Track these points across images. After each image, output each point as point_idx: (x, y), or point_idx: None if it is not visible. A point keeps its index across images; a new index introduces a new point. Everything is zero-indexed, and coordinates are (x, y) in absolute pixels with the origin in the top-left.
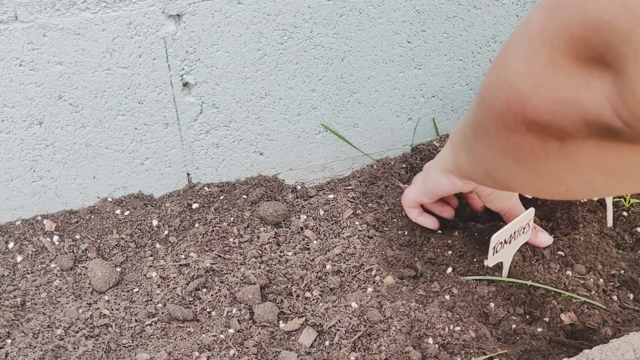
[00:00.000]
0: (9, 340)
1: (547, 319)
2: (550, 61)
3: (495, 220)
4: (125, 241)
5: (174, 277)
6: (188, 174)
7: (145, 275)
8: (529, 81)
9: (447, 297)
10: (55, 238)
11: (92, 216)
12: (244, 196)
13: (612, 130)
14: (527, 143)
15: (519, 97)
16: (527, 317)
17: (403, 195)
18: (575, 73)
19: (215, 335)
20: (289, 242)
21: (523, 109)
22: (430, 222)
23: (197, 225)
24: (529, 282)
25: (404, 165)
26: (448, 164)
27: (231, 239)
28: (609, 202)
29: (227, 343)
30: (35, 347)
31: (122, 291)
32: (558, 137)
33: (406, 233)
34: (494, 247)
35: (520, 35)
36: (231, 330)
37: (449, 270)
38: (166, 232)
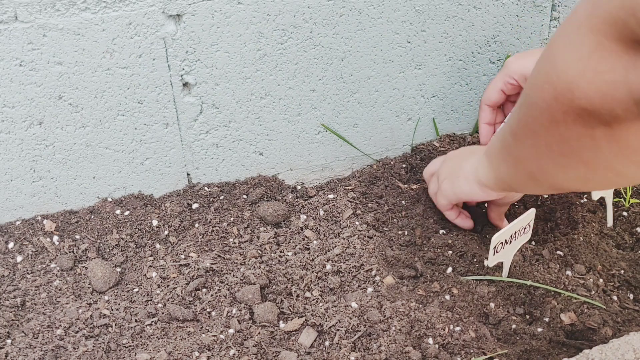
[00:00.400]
0: (9, 340)
1: (547, 319)
2: (597, 45)
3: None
4: (125, 241)
5: (174, 277)
6: (188, 174)
7: (145, 275)
8: (578, 66)
9: (447, 297)
10: (55, 238)
11: (92, 216)
12: (244, 196)
13: None
14: (574, 133)
15: (567, 85)
16: (527, 317)
17: (436, 201)
18: (622, 55)
19: (215, 335)
20: (289, 242)
21: (572, 97)
22: (467, 224)
23: (197, 225)
24: (529, 282)
25: (404, 166)
26: (483, 179)
27: (231, 239)
28: (609, 202)
29: (227, 343)
30: (35, 347)
31: (122, 291)
32: (606, 123)
33: (406, 233)
34: (495, 247)
35: (567, 27)
36: (231, 330)
37: (449, 270)
38: (166, 232)
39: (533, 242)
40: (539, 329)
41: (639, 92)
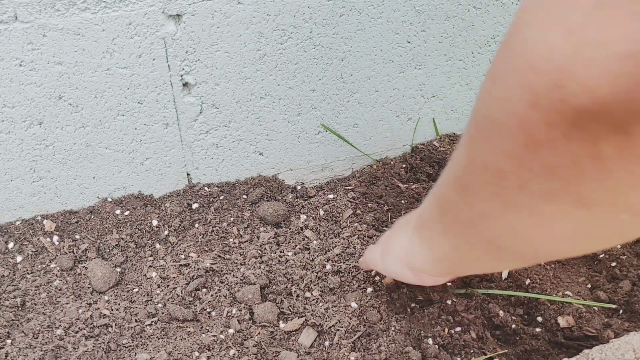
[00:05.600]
0: (9, 341)
1: (540, 319)
2: (598, 5)
3: None
4: (125, 241)
5: (174, 277)
6: (188, 174)
7: (145, 275)
8: (569, 44)
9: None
10: (55, 238)
11: (92, 216)
12: (244, 196)
13: None
14: (567, 157)
15: (552, 77)
16: (527, 317)
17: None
18: None
19: (215, 335)
20: (289, 242)
21: (562, 95)
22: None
23: (197, 225)
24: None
25: (403, 166)
26: (417, 262)
27: (231, 239)
28: None
29: (227, 343)
30: (35, 347)
31: (122, 291)
32: (619, 129)
33: None
34: None
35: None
36: (231, 330)
37: None
38: (166, 232)
39: None
40: (538, 329)
41: None
